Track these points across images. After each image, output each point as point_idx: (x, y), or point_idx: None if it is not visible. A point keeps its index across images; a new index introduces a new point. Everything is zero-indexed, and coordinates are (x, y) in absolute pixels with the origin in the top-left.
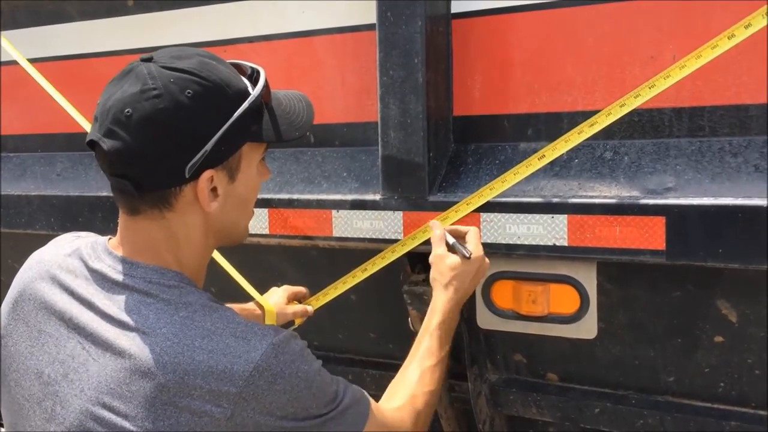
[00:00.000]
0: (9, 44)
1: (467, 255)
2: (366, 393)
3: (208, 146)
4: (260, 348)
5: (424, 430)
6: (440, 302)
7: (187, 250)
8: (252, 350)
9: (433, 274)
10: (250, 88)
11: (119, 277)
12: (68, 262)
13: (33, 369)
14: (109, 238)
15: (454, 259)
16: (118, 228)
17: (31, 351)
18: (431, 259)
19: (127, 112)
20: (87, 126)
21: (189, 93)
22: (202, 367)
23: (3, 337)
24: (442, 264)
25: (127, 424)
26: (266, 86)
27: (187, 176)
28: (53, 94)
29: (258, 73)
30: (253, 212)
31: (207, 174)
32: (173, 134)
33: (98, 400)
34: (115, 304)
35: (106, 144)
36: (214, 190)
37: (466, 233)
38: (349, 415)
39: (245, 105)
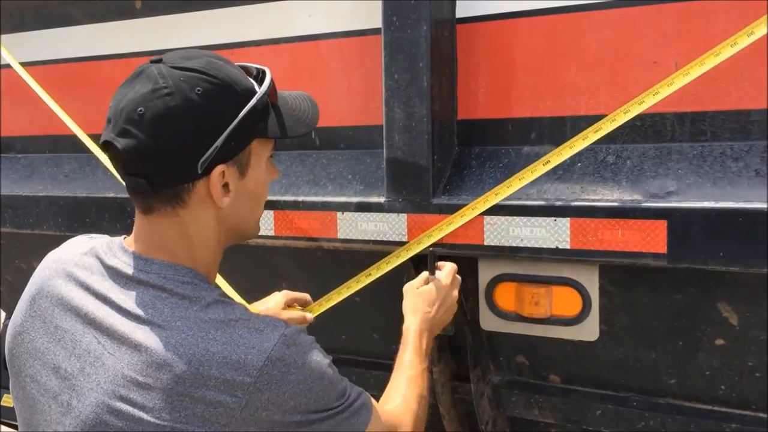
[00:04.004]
0: (3, 48)
1: (431, 274)
2: (368, 393)
3: (219, 141)
4: (273, 339)
5: (422, 430)
6: (410, 326)
7: (201, 247)
8: (265, 341)
9: (404, 302)
10: (256, 87)
11: (134, 273)
12: (84, 260)
13: (50, 364)
14: (124, 237)
15: (423, 288)
16: (134, 227)
17: (48, 347)
18: (404, 288)
19: (140, 111)
20: (76, 129)
21: (199, 90)
22: (217, 357)
23: (20, 334)
24: (411, 291)
25: (144, 415)
26: (272, 85)
27: (199, 172)
28: (45, 98)
29: (264, 73)
30: (263, 209)
31: (219, 169)
32: (185, 130)
33: (115, 392)
34: (130, 299)
35: (120, 143)
36: (225, 186)
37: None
38: (357, 413)
39: (253, 101)
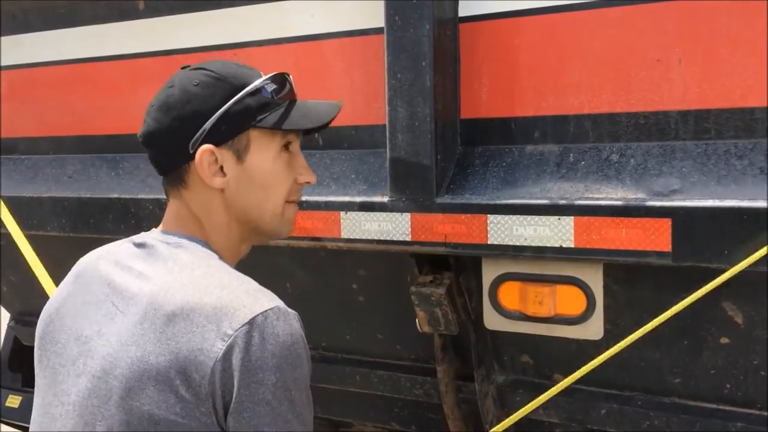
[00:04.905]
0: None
1: None
2: None
3: (208, 124)
4: (266, 305)
5: None
6: None
7: (211, 229)
8: (257, 304)
9: None
10: (262, 83)
11: (154, 243)
12: (121, 244)
13: (74, 334)
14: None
15: None
16: None
17: (75, 320)
18: None
19: (151, 102)
20: None
21: (196, 82)
22: (207, 307)
23: (55, 314)
24: None
25: (142, 358)
26: (286, 85)
27: (190, 152)
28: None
29: (282, 74)
30: (281, 205)
31: (204, 148)
32: (178, 115)
33: (119, 342)
34: (146, 263)
35: (139, 131)
36: (221, 169)
37: None
38: None
39: (246, 90)
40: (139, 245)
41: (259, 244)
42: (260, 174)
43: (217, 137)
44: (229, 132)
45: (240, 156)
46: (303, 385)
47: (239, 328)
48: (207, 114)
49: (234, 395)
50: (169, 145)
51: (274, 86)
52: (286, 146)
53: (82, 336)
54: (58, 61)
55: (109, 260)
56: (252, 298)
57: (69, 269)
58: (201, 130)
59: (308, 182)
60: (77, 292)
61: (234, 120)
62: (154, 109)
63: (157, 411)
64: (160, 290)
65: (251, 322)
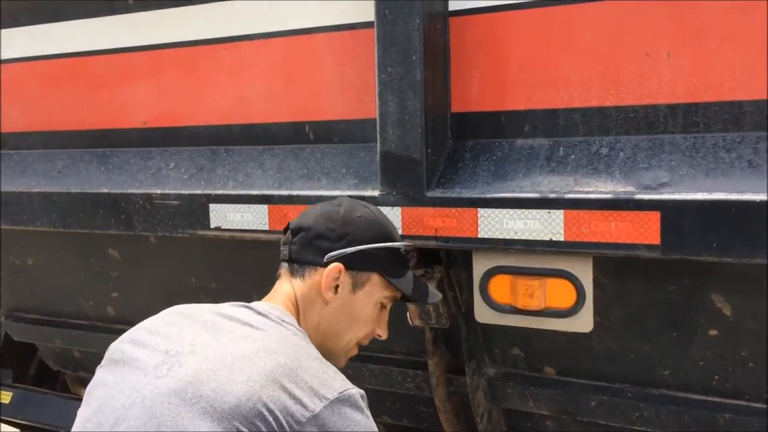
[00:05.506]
0: None
1: None
2: None
3: (351, 250)
4: (350, 386)
5: None
6: None
7: (303, 320)
8: (346, 383)
9: None
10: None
11: (252, 306)
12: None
13: (159, 349)
14: None
15: None
16: None
17: (156, 339)
18: None
19: (316, 207)
20: None
21: (359, 214)
22: (311, 370)
23: (143, 329)
24: None
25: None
26: (413, 255)
27: (324, 261)
28: None
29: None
30: (354, 343)
31: (337, 266)
32: (334, 229)
33: (220, 361)
34: (242, 315)
35: (294, 221)
36: (336, 287)
37: None
38: None
39: (392, 244)
40: (238, 306)
41: None
42: (359, 310)
43: (349, 263)
44: (361, 265)
45: (354, 287)
46: None
47: (327, 401)
48: (355, 242)
49: None
50: (312, 245)
51: (409, 253)
52: (385, 300)
53: (169, 351)
54: (47, 55)
55: (208, 308)
56: (341, 377)
57: (59, 265)
58: (343, 251)
59: (380, 336)
60: (164, 320)
61: (370, 259)
62: (316, 212)
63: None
64: (270, 340)
65: (337, 398)
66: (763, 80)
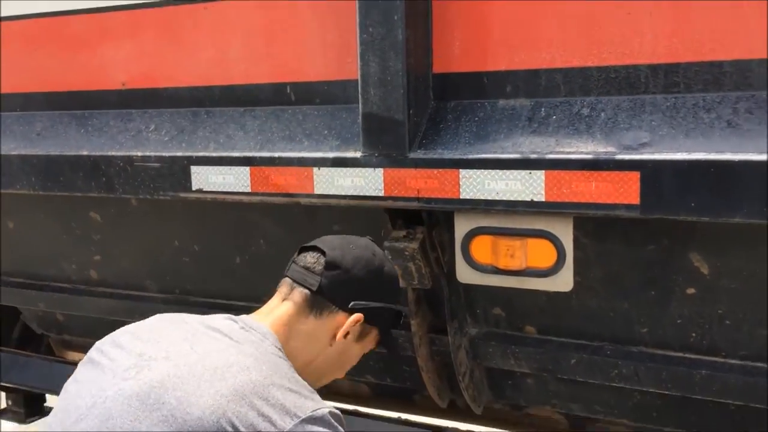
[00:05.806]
0: None
1: None
2: None
3: (376, 305)
4: (323, 406)
5: None
6: None
7: (295, 351)
8: (319, 403)
9: None
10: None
11: (242, 320)
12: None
13: (134, 352)
14: None
15: None
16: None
17: (135, 343)
18: None
19: (355, 253)
20: None
21: (387, 269)
22: (284, 388)
23: (131, 333)
24: None
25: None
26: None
27: (348, 307)
28: None
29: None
30: (329, 380)
31: (361, 316)
32: (366, 281)
33: (189, 372)
34: (222, 325)
35: (330, 255)
36: (347, 333)
37: None
38: None
39: (399, 307)
40: (231, 320)
41: None
42: (352, 357)
43: (367, 315)
44: (373, 320)
45: (358, 337)
46: None
47: (297, 419)
48: (379, 297)
49: None
50: (345, 287)
51: (402, 317)
52: (369, 351)
53: (143, 354)
54: (23, 15)
55: (196, 320)
56: (312, 400)
57: (41, 228)
58: (369, 305)
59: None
60: (149, 325)
61: (381, 316)
62: (352, 253)
63: None
64: (240, 351)
65: (309, 417)
66: (743, 41)
